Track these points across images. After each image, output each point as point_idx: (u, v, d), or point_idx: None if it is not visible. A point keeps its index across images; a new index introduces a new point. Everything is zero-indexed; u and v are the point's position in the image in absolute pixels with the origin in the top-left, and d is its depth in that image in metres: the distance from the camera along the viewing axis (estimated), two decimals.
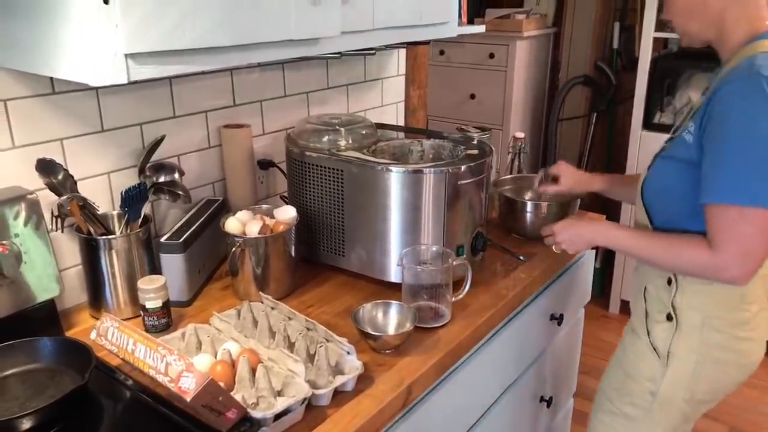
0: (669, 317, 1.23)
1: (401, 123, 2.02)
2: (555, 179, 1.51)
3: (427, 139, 1.44)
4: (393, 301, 1.15)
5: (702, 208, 1.09)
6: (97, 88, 1.20)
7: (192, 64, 0.98)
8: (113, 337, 0.91)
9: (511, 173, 1.74)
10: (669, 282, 1.22)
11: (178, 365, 0.79)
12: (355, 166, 1.25)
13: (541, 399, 1.61)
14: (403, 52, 1.94)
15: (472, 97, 3.35)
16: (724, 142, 1.05)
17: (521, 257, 1.45)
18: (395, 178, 1.22)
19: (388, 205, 1.24)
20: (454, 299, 1.21)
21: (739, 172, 1.03)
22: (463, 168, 1.24)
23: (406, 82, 1.99)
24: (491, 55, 3.24)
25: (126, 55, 0.89)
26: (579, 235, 1.29)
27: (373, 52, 1.51)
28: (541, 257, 1.47)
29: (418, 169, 1.22)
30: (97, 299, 1.20)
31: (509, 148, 1.74)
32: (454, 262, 1.19)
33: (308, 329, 1.09)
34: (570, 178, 1.50)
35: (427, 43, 1.62)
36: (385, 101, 1.93)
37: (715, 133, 1.07)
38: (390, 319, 1.14)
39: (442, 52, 3.37)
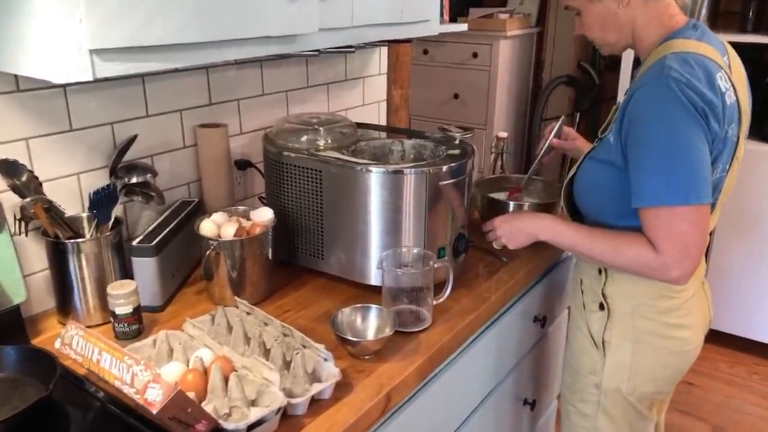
0: (601, 306, 1.26)
1: (383, 122, 2.00)
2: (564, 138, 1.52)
3: (409, 139, 1.41)
4: (372, 305, 1.12)
5: (636, 212, 1.10)
6: (65, 86, 1.16)
7: (162, 61, 0.95)
8: (78, 346, 0.87)
9: (493, 173, 1.72)
10: (600, 272, 1.25)
11: (144, 376, 0.75)
12: (334, 166, 1.22)
13: (525, 401, 1.60)
14: (384, 50, 1.91)
15: (456, 96, 3.33)
16: (644, 146, 1.07)
17: (504, 259, 1.43)
18: (374, 179, 1.19)
19: (368, 206, 1.21)
20: (435, 302, 1.19)
21: (664, 173, 1.05)
22: (444, 168, 1.22)
23: (388, 81, 1.97)
24: (475, 55, 3.22)
25: (91, 51, 0.85)
26: (520, 229, 1.28)
27: (352, 50, 1.48)
28: (525, 259, 1.45)
29: (398, 170, 1.19)
30: (65, 305, 1.16)
31: (492, 148, 1.72)
32: (435, 265, 1.17)
33: (285, 335, 1.06)
34: (578, 139, 1.52)
35: (408, 41, 1.60)
36: (367, 100, 1.90)
37: (635, 138, 1.09)
38: (369, 323, 1.11)
39: (425, 52, 3.35)
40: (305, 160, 1.25)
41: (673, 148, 1.05)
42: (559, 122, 1.48)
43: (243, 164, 1.51)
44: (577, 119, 3.32)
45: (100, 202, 1.11)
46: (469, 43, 3.21)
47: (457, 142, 1.36)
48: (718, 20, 2.81)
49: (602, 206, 1.23)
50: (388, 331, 1.07)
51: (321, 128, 1.34)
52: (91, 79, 0.86)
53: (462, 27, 1.74)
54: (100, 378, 0.86)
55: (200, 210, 1.40)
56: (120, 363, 0.79)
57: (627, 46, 1.25)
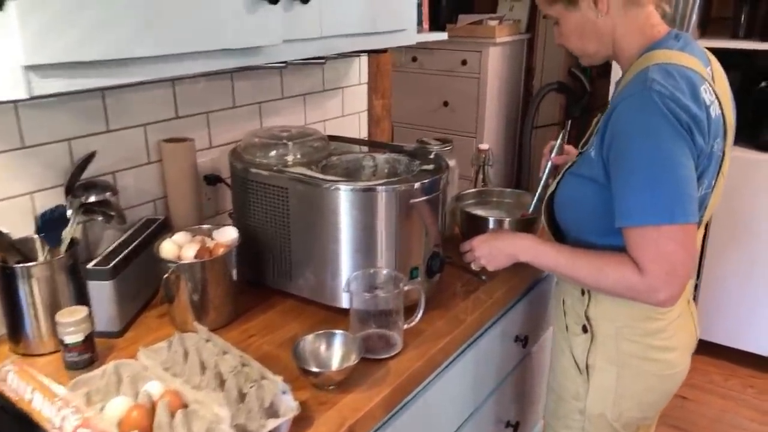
0: (585, 329, 1.20)
1: (364, 133, 1.94)
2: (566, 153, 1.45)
3: (383, 153, 1.36)
4: (337, 332, 1.06)
5: (619, 231, 1.05)
6: (15, 102, 1.10)
7: (108, 77, 0.89)
8: (13, 382, 0.81)
9: (475, 186, 1.66)
10: (583, 293, 1.20)
11: (73, 420, 0.70)
12: (300, 183, 1.17)
13: (507, 423, 1.54)
14: (364, 59, 1.86)
15: (445, 104, 3.28)
16: (627, 162, 1.02)
17: (483, 277, 1.37)
18: (342, 197, 1.13)
19: (337, 225, 1.15)
20: (406, 326, 1.13)
21: (648, 191, 1.00)
22: (416, 185, 1.16)
23: (368, 91, 1.91)
24: (464, 62, 3.17)
25: (25, 68, 0.79)
26: (499, 250, 1.23)
27: (323, 61, 1.43)
28: (504, 277, 1.39)
29: (366, 187, 1.13)
30: (16, 332, 1.10)
31: (472, 160, 1.67)
32: (406, 287, 1.11)
33: (243, 365, 1.00)
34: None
35: (384, 51, 1.54)
36: (347, 111, 1.85)
37: (618, 153, 1.03)
38: (334, 351, 1.05)
39: (414, 59, 3.30)
40: (271, 177, 1.20)
41: (657, 165, 1.00)
42: (560, 139, 1.42)
43: (213, 179, 1.46)
44: (568, 127, 3.26)
45: (49, 224, 1.06)
46: (458, 50, 3.16)
47: (431, 156, 1.31)
48: (710, 26, 2.76)
49: (583, 223, 1.17)
50: (353, 360, 1.02)
51: (290, 143, 1.29)
52: (26, 97, 0.80)
53: (442, 36, 1.69)
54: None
55: (166, 228, 1.34)
56: (51, 404, 0.74)
57: (607, 57, 1.19)
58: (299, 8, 1.14)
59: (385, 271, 1.14)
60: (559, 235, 1.25)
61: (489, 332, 1.35)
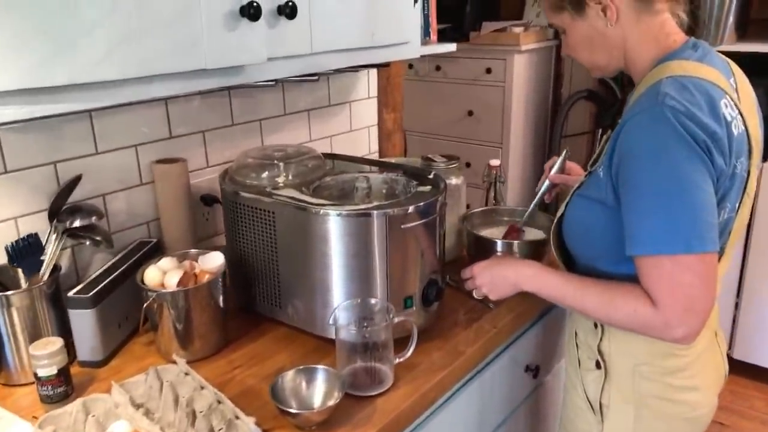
0: (598, 365, 1.10)
1: (375, 148, 1.88)
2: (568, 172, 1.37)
3: (380, 173, 1.29)
4: (319, 367, 1.00)
5: (631, 258, 0.95)
6: (4, 124, 1.08)
7: (73, 102, 0.86)
8: None
9: (486, 205, 1.58)
10: (596, 325, 1.10)
11: None
12: (287, 207, 1.11)
13: None
14: (373, 72, 1.80)
15: (470, 113, 3.19)
16: (638, 186, 0.92)
17: (490, 305, 1.29)
18: (329, 222, 1.07)
19: (326, 251, 1.09)
20: (398, 360, 1.06)
21: (662, 218, 0.90)
22: (410, 209, 1.09)
23: (378, 105, 1.85)
24: (488, 70, 3.08)
25: None
26: (503, 278, 1.13)
27: (315, 78, 1.37)
28: (513, 303, 1.30)
29: (355, 212, 1.07)
30: None
31: (484, 177, 1.58)
32: (396, 319, 1.04)
33: (219, 402, 0.95)
34: (579, 173, 1.35)
35: (386, 65, 1.48)
36: (355, 126, 1.79)
37: (628, 176, 0.94)
38: (316, 388, 0.99)
39: (438, 68, 3.23)
40: (257, 200, 1.15)
41: (672, 190, 0.90)
42: (562, 156, 1.33)
43: (209, 200, 1.42)
44: (599, 136, 3.13)
45: (22, 253, 1.03)
46: (482, 59, 3.07)
47: (431, 175, 1.24)
48: (750, 28, 2.60)
49: (593, 250, 1.08)
50: (335, 398, 0.95)
51: (281, 163, 1.23)
52: None
53: (449, 48, 1.61)
54: None
55: (158, 251, 1.30)
56: None
57: (619, 68, 1.10)
58: (285, 24, 1.09)
59: (373, 301, 1.07)
60: (569, 261, 1.15)
61: (495, 363, 1.26)
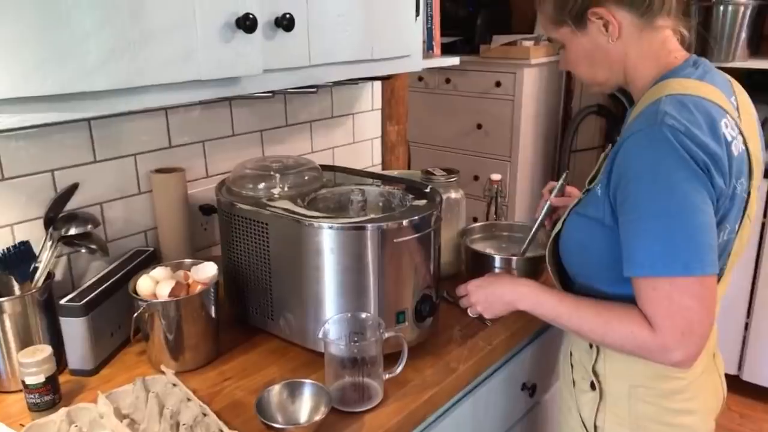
0: (593, 386, 1.08)
1: (378, 161, 1.88)
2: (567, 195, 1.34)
3: (377, 186, 1.28)
4: (307, 381, 0.99)
5: (628, 279, 0.93)
6: None
7: (64, 111, 0.86)
8: None
9: (487, 219, 1.57)
10: (591, 345, 1.08)
11: None
12: (279, 219, 1.11)
13: None
14: (377, 84, 1.80)
15: (479, 127, 3.18)
16: (636, 207, 0.90)
17: (487, 322, 1.27)
18: (323, 234, 1.06)
19: (318, 264, 1.08)
20: (387, 376, 1.05)
21: (660, 239, 0.88)
22: (404, 223, 1.08)
23: (382, 117, 1.85)
24: (498, 84, 3.07)
25: None
26: (497, 296, 1.12)
27: (314, 90, 1.37)
28: (509, 320, 1.28)
29: (347, 225, 1.06)
30: None
31: (485, 191, 1.57)
32: (386, 334, 1.03)
33: (204, 414, 0.94)
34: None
35: (387, 77, 1.47)
36: (357, 138, 1.79)
37: (626, 196, 0.92)
38: (303, 402, 0.98)
39: (448, 81, 3.23)
40: (251, 211, 1.14)
41: (671, 211, 0.88)
42: (561, 180, 1.31)
43: (208, 210, 1.42)
44: (608, 151, 3.11)
45: (13, 260, 1.03)
46: (492, 72, 3.07)
47: (427, 189, 1.23)
48: (762, 44, 2.57)
49: (590, 269, 1.06)
50: (321, 413, 0.94)
51: (278, 174, 1.23)
52: None
53: (453, 61, 1.61)
54: None
55: (155, 260, 1.30)
56: None
57: (618, 85, 1.08)
58: (283, 36, 1.09)
59: (364, 316, 1.06)
60: (565, 280, 1.13)
61: (489, 380, 1.24)
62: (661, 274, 0.89)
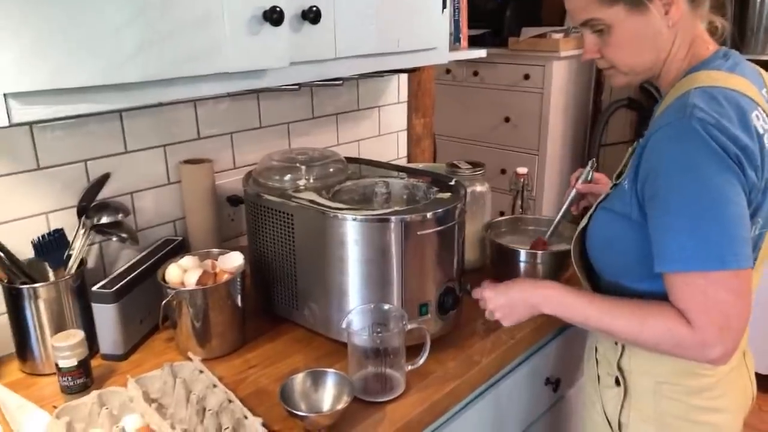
0: (617, 381, 1.06)
1: (403, 153, 1.88)
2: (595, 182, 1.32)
3: (402, 179, 1.29)
4: (329, 371, 1.00)
5: (656, 275, 0.91)
6: (30, 124, 1.12)
7: (95, 103, 0.88)
8: None
9: (513, 213, 1.56)
10: (616, 342, 1.06)
11: None
12: (305, 210, 1.12)
13: None
14: (404, 77, 1.80)
15: (507, 120, 3.16)
16: (667, 202, 0.88)
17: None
18: (347, 226, 1.07)
19: (342, 256, 1.09)
20: (410, 368, 1.05)
21: (693, 234, 0.86)
22: (428, 215, 1.08)
23: (408, 110, 1.85)
24: (526, 76, 3.04)
25: (6, 95, 0.79)
26: (521, 301, 1.06)
27: (340, 82, 1.38)
28: None
29: (372, 217, 1.07)
30: (23, 352, 1.11)
31: (511, 185, 1.56)
32: (408, 326, 1.03)
33: (230, 401, 0.96)
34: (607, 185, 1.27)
35: (413, 70, 1.47)
36: (383, 131, 1.79)
37: (656, 191, 0.90)
38: (326, 391, 0.99)
39: (476, 73, 3.20)
40: (277, 203, 1.16)
41: (703, 204, 0.86)
42: (588, 166, 1.30)
43: (235, 201, 1.44)
44: (635, 146, 3.05)
45: (46, 248, 1.06)
46: (520, 65, 3.04)
47: (452, 182, 1.22)
48: None
49: (617, 265, 1.04)
50: (344, 402, 0.95)
51: (303, 167, 1.24)
52: (6, 124, 0.80)
53: (479, 53, 1.60)
54: None
55: (183, 249, 1.33)
56: None
57: (652, 76, 1.03)
58: (309, 29, 1.10)
59: (387, 307, 1.07)
60: (592, 276, 1.12)
61: (513, 374, 1.24)
62: (696, 269, 0.87)
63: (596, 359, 1.15)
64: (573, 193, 1.29)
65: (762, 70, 1.02)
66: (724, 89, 0.91)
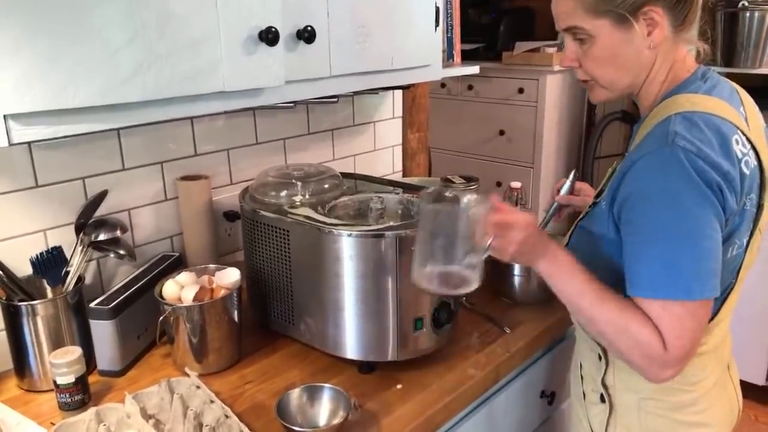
0: (602, 398, 1.07)
1: (398, 168, 1.90)
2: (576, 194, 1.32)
3: (397, 194, 1.30)
4: (325, 386, 1.01)
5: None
6: (28, 142, 1.13)
7: (95, 123, 0.90)
8: None
9: None
10: (600, 357, 1.06)
11: None
12: (301, 226, 1.13)
13: None
14: (398, 93, 1.83)
15: (501, 133, 3.19)
16: (644, 230, 0.89)
17: (506, 329, 1.28)
18: (342, 242, 1.08)
19: (338, 271, 1.10)
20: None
21: (666, 264, 0.87)
22: None
23: (403, 125, 1.87)
24: (520, 90, 3.07)
25: (6, 116, 0.81)
26: (532, 245, 0.95)
27: (335, 100, 1.40)
28: (528, 327, 1.29)
29: (367, 233, 1.08)
30: (21, 368, 1.12)
31: (505, 198, 1.58)
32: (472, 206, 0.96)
33: (226, 416, 0.97)
34: (591, 194, 1.29)
35: (408, 87, 1.49)
36: (378, 146, 1.81)
37: (633, 217, 0.91)
38: (322, 406, 1.00)
39: (470, 87, 3.24)
40: (273, 218, 1.17)
41: (678, 235, 0.87)
42: (571, 176, 1.31)
43: (232, 216, 1.45)
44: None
45: (45, 265, 1.07)
46: (514, 78, 3.07)
47: (448, 195, 1.24)
48: None
49: (602, 279, 1.04)
50: (340, 417, 0.96)
51: (299, 182, 1.26)
52: (6, 145, 0.81)
53: (472, 69, 1.62)
54: None
55: (180, 264, 1.34)
56: None
57: (630, 93, 1.03)
58: (304, 48, 1.12)
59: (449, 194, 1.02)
60: None
61: (507, 387, 1.25)
62: (667, 297, 0.88)
63: (581, 376, 1.15)
64: (555, 204, 1.30)
65: (738, 87, 1.03)
66: (704, 114, 0.91)
